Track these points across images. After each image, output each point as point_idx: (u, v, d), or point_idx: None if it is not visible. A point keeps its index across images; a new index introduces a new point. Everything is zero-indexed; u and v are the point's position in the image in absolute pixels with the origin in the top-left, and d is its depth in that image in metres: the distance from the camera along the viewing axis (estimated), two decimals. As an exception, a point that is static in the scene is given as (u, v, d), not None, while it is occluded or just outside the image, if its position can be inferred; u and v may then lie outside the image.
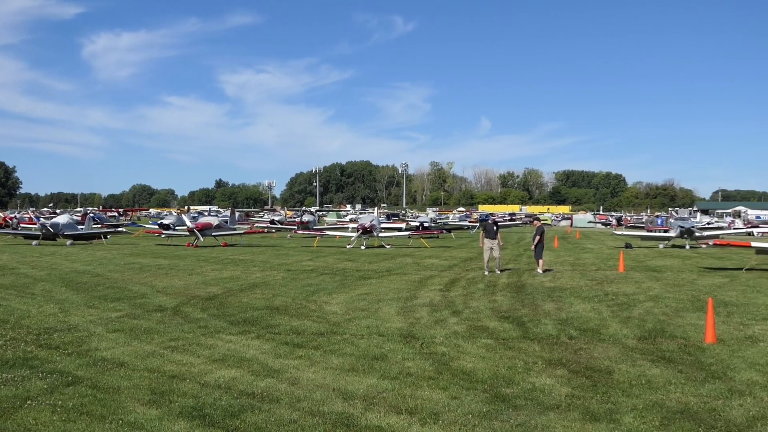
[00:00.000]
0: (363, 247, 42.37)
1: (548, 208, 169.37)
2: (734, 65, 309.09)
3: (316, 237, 49.83)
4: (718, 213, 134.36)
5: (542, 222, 32.67)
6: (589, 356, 11.87)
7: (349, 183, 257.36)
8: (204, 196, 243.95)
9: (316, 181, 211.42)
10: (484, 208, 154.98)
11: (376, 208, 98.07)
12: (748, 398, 9.25)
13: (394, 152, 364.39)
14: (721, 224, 79.51)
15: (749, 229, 65.02)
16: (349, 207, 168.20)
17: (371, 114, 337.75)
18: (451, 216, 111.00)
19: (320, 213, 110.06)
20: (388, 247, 43.79)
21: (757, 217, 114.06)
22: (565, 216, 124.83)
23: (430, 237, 54.13)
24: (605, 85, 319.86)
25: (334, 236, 51.92)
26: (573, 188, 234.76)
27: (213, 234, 47.20)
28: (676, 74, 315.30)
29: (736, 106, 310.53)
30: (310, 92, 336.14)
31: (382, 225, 54.23)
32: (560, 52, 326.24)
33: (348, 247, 43.27)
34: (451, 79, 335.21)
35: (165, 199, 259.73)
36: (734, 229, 66.80)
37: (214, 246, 44.52)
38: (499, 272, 26.30)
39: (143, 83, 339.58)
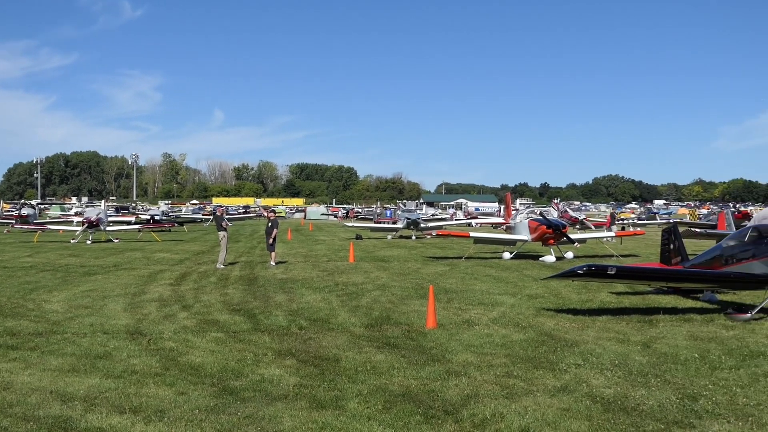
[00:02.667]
0: (89, 242, 40.32)
1: (283, 201, 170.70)
2: (449, 65, 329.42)
3: (36, 231, 46.68)
4: (442, 205, 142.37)
5: (277, 215, 32.86)
6: (318, 345, 12.07)
7: (75, 174, 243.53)
8: None
9: (37, 172, 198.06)
10: (219, 201, 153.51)
11: (103, 201, 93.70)
12: (463, 378, 9.83)
13: (123, 143, 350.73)
14: (444, 216, 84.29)
15: (469, 220, 69.32)
16: (74, 200, 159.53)
17: (98, 102, 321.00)
18: (184, 208, 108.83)
19: (42, 206, 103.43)
20: (116, 241, 42.03)
21: (476, 209, 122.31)
22: (299, 208, 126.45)
23: (162, 230, 52.70)
24: (338, 80, 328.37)
25: (58, 230, 48.97)
26: (307, 181, 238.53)
27: None
28: (401, 73, 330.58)
29: (457, 105, 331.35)
30: (30, 77, 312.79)
31: (110, 218, 51.95)
32: (292, 46, 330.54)
33: (72, 242, 41.01)
34: (183, 68, 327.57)
35: None
36: (456, 220, 70.98)
37: None
38: (222, 266, 25.89)
39: None
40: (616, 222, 52.13)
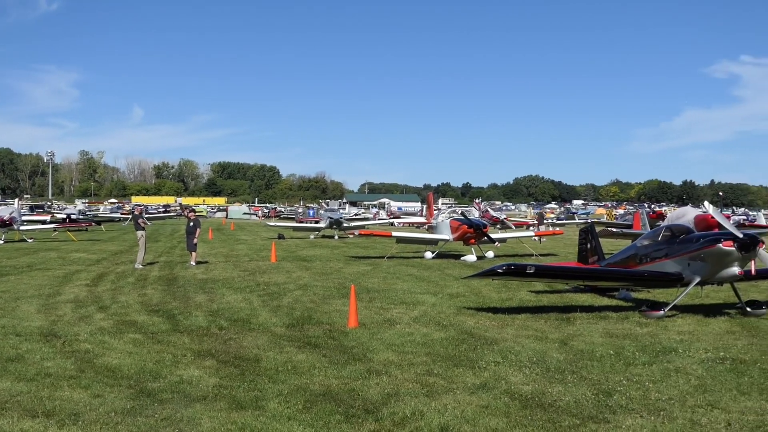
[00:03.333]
0: (1, 242, 39.10)
1: (204, 200, 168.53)
2: (370, 64, 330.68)
3: None
4: (365, 204, 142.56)
5: (197, 214, 32.43)
6: (238, 346, 11.95)
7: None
8: None
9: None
10: (138, 200, 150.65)
11: (17, 200, 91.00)
12: (384, 377, 9.86)
13: (38, 140, 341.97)
14: (367, 215, 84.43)
15: (392, 220, 69.60)
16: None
17: (10, 97, 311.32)
18: (101, 207, 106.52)
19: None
20: (30, 240, 40.87)
21: (399, 208, 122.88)
22: (221, 207, 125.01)
23: (78, 230, 51.49)
24: (259, 78, 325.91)
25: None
26: (229, 180, 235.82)
27: None
28: (323, 72, 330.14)
29: (380, 105, 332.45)
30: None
31: (24, 217, 50.51)
32: (213, 43, 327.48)
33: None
34: (101, 64, 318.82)
35: None
36: (379, 219, 71.16)
37: None
38: (141, 266, 25.43)
39: None
40: (545, 222, 53.05)
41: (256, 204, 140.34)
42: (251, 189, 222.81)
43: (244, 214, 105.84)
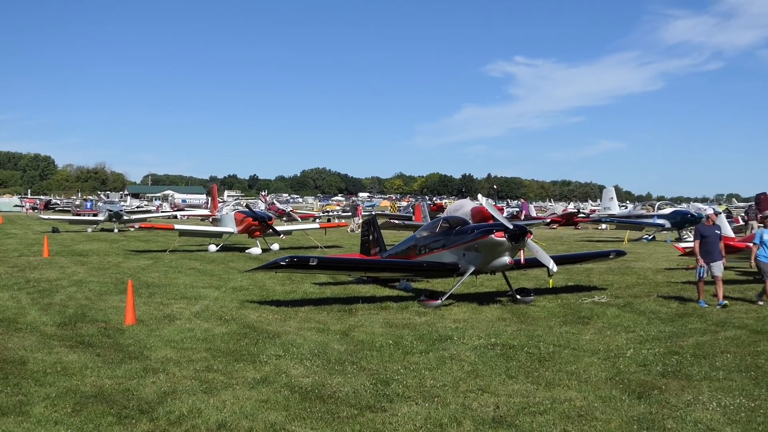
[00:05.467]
0: None
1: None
2: (149, 50, 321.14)
3: None
4: (148, 197, 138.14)
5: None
6: (2, 348, 11.16)
7: None
8: None
9: None
10: None
11: None
12: (161, 375, 9.54)
13: None
14: (149, 208, 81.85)
15: (175, 212, 67.95)
16: None
17: None
18: None
19: None
20: None
21: (184, 200, 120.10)
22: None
23: None
24: (30, 62, 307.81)
25: None
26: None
27: None
28: (102, 59, 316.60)
29: (166, 94, 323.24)
30: None
31: None
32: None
33: None
34: None
35: None
36: (162, 212, 69.24)
37: None
38: None
39: None
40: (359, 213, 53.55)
41: (30, 196, 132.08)
42: (23, 180, 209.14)
43: (15, 206, 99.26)
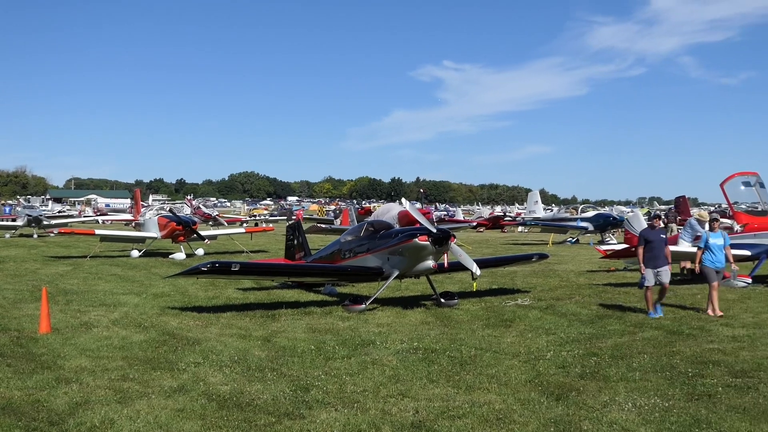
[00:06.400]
0: None
1: None
2: (70, 53, 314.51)
3: None
4: (70, 201, 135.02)
5: None
6: None
7: None
8: None
9: None
10: None
11: None
12: (74, 385, 9.24)
13: None
14: (72, 212, 79.92)
15: (98, 217, 66.46)
16: None
17: None
18: None
19: None
20: None
21: (107, 205, 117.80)
22: None
23: None
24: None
25: None
26: None
27: None
28: (26, 60, 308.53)
29: (91, 95, 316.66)
30: None
31: None
32: None
33: None
34: None
35: None
36: (84, 217, 67.65)
37: None
38: None
39: None
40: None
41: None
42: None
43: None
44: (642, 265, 15.20)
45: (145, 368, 10.23)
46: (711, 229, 16.22)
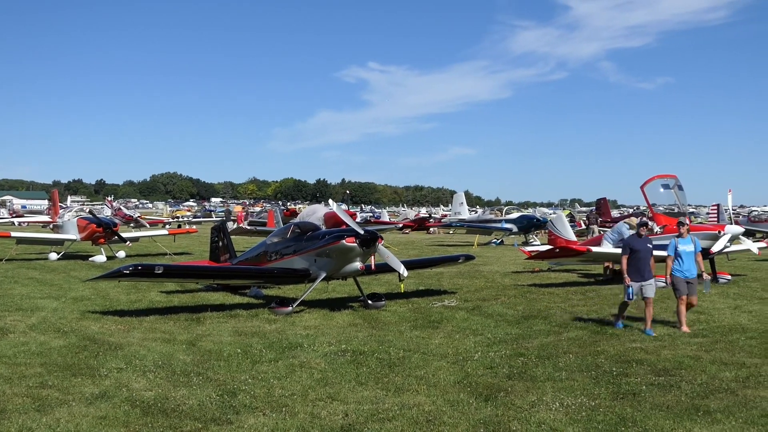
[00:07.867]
0: None
1: None
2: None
3: None
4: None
5: None
6: None
7: None
8: None
9: None
10: None
11: None
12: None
13: None
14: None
15: (14, 219, 64.49)
16: None
17: None
18: None
19: None
20: None
21: (24, 206, 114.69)
22: None
23: None
24: None
25: None
26: None
27: None
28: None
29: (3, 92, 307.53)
30: None
31: None
32: None
33: None
34: None
35: None
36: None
37: None
38: None
39: None
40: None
41: None
42: None
43: None
44: (626, 276, 13.57)
45: (64, 375, 9.89)
46: (681, 235, 14.08)
